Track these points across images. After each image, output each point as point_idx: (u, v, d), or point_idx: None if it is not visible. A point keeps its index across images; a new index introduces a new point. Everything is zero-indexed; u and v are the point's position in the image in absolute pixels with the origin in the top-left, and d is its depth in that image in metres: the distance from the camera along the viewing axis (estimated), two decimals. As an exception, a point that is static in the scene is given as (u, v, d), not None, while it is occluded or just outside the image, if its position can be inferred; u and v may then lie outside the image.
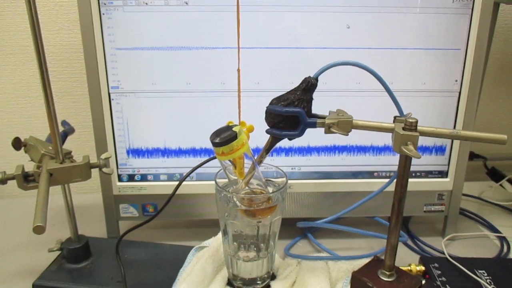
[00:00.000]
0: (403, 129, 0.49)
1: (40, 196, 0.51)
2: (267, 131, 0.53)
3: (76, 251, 0.66)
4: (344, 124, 0.51)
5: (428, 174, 0.75)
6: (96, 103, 0.68)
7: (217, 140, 0.50)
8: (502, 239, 0.78)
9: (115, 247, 0.65)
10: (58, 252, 0.67)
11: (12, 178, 0.57)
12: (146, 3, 0.64)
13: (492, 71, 1.03)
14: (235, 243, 0.58)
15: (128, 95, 0.68)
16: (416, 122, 0.49)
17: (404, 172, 0.52)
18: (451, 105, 0.71)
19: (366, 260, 0.66)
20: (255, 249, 0.59)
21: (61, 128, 0.68)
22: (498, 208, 0.91)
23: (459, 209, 0.78)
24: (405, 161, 0.51)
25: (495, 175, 1.00)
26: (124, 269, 0.63)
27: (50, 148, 0.62)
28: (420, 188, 0.74)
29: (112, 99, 0.68)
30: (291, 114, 0.51)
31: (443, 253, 0.72)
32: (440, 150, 0.74)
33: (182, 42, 0.66)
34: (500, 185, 0.97)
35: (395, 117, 0.53)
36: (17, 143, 0.63)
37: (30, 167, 0.59)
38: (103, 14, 0.64)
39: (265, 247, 0.59)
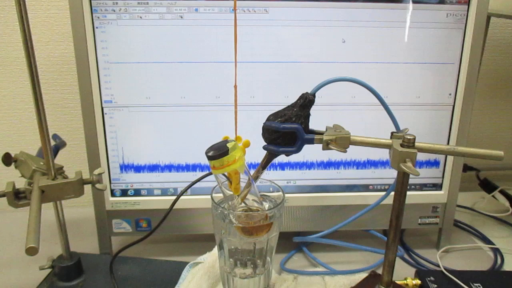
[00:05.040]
0: (401, 145, 0.49)
1: (32, 215, 0.49)
2: (264, 147, 0.53)
3: (68, 268, 0.64)
4: (342, 141, 0.51)
5: (422, 187, 0.75)
6: (89, 118, 0.67)
7: (210, 154, 0.50)
8: (496, 250, 0.79)
9: (109, 265, 0.64)
10: (49, 270, 0.65)
11: (3, 195, 0.56)
12: (140, 17, 0.63)
13: (483, 83, 1.04)
14: (231, 259, 0.58)
15: (122, 109, 0.67)
16: (414, 138, 0.49)
17: (401, 189, 0.51)
18: (445, 118, 0.71)
19: (363, 275, 0.66)
20: (251, 265, 0.58)
21: (52, 142, 0.67)
22: (491, 219, 0.91)
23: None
24: (403, 177, 0.51)
25: (488, 186, 1.00)
26: (118, 287, 0.62)
27: (42, 163, 0.61)
28: (414, 201, 0.74)
29: (105, 113, 0.67)
30: (288, 130, 0.51)
31: (438, 266, 0.72)
32: (434, 163, 0.74)
33: (176, 56, 0.65)
34: (493, 196, 0.98)
35: (392, 133, 0.53)
36: (7, 159, 0.62)
37: (21, 182, 0.58)
38: (97, 27, 0.63)
39: (262, 263, 0.58)
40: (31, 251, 0.44)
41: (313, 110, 0.52)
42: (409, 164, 0.47)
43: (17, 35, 0.53)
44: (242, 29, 0.64)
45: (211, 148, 0.51)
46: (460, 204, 0.94)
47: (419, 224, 0.77)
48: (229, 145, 0.50)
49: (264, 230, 0.54)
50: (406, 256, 0.77)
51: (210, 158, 0.50)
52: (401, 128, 0.56)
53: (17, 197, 0.57)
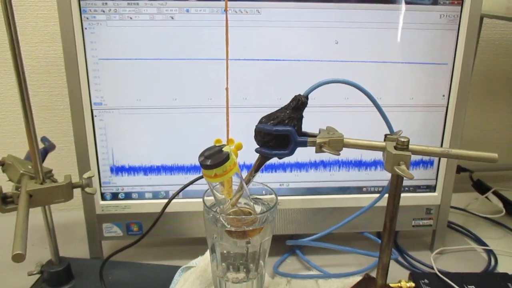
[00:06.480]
0: (395, 148, 0.48)
1: (19, 220, 0.48)
2: (256, 150, 0.52)
3: (57, 274, 0.63)
4: (335, 143, 0.50)
5: (416, 188, 0.75)
6: (78, 120, 0.66)
7: (208, 163, 0.47)
8: (489, 252, 0.79)
9: (99, 270, 0.62)
10: (38, 275, 0.64)
11: (-11, 200, 0.55)
12: (131, 18, 0.62)
13: (476, 84, 1.04)
14: (223, 264, 0.57)
15: (112, 111, 0.66)
16: (408, 141, 0.48)
17: (396, 191, 0.51)
18: (439, 120, 0.71)
19: (356, 278, 0.65)
20: (244, 269, 0.57)
21: (40, 145, 0.66)
22: (484, 220, 0.91)
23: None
24: (397, 180, 0.51)
25: (481, 187, 1.00)
26: (108, 293, 0.61)
27: (30, 167, 0.59)
28: (408, 203, 0.74)
29: (95, 116, 0.66)
30: (281, 133, 0.50)
31: (432, 268, 0.71)
32: (428, 164, 0.74)
33: (167, 56, 0.64)
34: (486, 197, 0.98)
35: (385, 135, 0.52)
36: (-5, 163, 0.61)
37: (8, 186, 0.57)
38: (86, 28, 0.62)
39: (255, 267, 0.57)
40: (18, 257, 0.43)
41: (306, 112, 0.52)
42: (403, 167, 0.47)
43: (4, 36, 0.51)
44: (234, 30, 0.63)
45: (206, 157, 0.48)
46: (454, 205, 0.94)
47: (413, 226, 0.76)
48: (225, 149, 0.49)
49: (256, 231, 0.54)
50: (400, 259, 0.76)
51: (211, 167, 0.47)
52: (394, 130, 0.55)
53: (4, 201, 0.55)
